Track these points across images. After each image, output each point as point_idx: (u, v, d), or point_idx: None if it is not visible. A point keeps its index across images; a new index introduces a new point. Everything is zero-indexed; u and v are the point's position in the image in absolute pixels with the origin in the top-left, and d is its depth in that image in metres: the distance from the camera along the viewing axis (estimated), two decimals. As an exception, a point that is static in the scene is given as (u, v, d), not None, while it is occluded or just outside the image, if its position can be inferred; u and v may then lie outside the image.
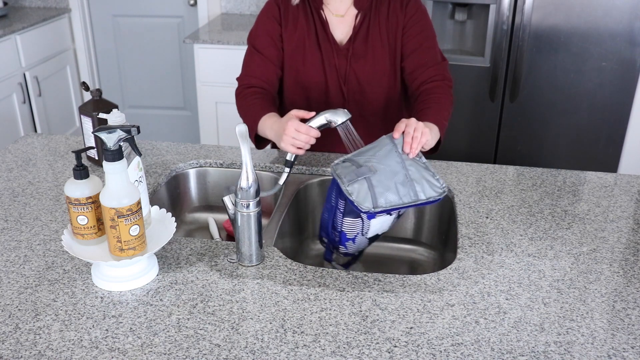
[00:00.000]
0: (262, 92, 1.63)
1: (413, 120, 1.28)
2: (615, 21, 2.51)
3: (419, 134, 1.25)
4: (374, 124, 1.68)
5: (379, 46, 1.62)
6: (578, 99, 2.67)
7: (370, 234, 1.28)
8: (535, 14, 2.55)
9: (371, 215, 1.21)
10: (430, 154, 1.46)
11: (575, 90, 2.66)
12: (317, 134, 1.32)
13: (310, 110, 1.68)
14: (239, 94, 1.65)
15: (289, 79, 1.69)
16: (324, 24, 1.63)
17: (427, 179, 1.22)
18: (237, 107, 1.65)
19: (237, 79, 1.69)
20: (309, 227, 1.58)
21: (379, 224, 1.26)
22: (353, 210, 1.22)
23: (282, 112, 1.68)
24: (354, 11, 1.63)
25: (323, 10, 1.63)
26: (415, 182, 1.21)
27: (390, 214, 1.24)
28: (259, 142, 1.61)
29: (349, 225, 1.27)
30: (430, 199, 1.21)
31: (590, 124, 2.70)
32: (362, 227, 1.26)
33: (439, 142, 1.46)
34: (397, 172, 1.21)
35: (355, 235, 1.28)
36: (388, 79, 1.66)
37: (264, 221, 1.47)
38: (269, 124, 1.48)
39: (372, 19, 1.62)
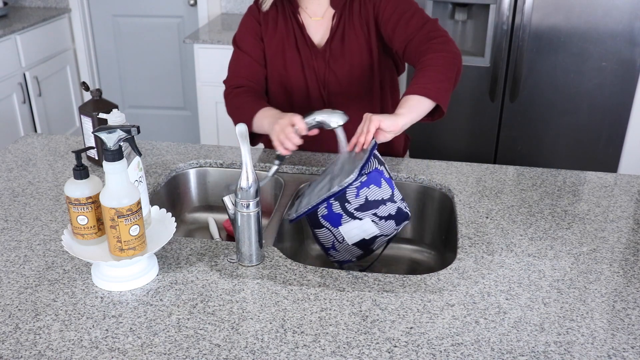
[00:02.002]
0: (253, 91, 1.64)
1: (365, 116, 1.30)
2: (615, 21, 2.51)
3: (366, 126, 1.28)
4: (358, 123, 1.68)
5: (355, 43, 1.62)
6: (578, 99, 2.67)
7: (352, 240, 1.28)
8: (535, 14, 2.55)
9: (334, 223, 1.26)
10: (433, 120, 1.46)
11: (575, 90, 2.65)
12: (300, 141, 1.35)
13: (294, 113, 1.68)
14: (228, 94, 1.66)
15: (273, 82, 1.70)
16: (301, 28, 1.63)
17: (350, 172, 1.24)
18: (228, 107, 1.66)
19: (225, 81, 1.70)
20: (309, 227, 1.58)
21: (355, 229, 1.26)
22: (314, 222, 1.30)
23: None
24: (332, 12, 1.63)
25: (299, 14, 1.64)
26: (333, 182, 1.27)
27: (360, 219, 1.25)
28: (252, 138, 1.63)
29: (321, 236, 1.31)
30: (344, 184, 1.22)
31: (590, 124, 2.70)
32: (334, 235, 1.28)
33: (439, 108, 1.43)
34: (317, 190, 1.30)
35: (332, 244, 1.30)
36: (368, 73, 1.65)
37: (264, 221, 1.47)
38: (269, 115, 1.48)
39: (347, 18, 1.61)
